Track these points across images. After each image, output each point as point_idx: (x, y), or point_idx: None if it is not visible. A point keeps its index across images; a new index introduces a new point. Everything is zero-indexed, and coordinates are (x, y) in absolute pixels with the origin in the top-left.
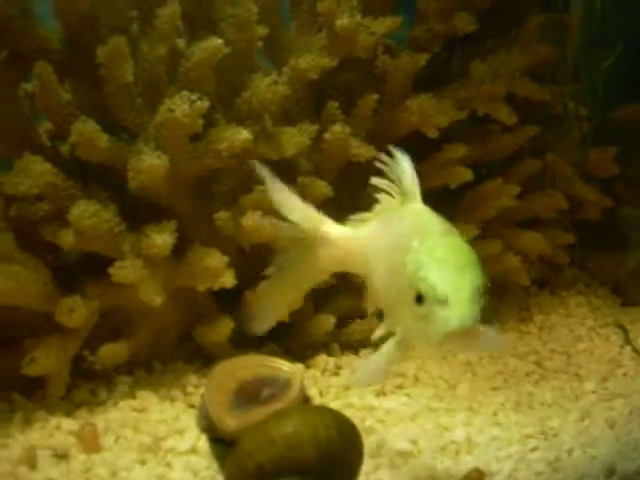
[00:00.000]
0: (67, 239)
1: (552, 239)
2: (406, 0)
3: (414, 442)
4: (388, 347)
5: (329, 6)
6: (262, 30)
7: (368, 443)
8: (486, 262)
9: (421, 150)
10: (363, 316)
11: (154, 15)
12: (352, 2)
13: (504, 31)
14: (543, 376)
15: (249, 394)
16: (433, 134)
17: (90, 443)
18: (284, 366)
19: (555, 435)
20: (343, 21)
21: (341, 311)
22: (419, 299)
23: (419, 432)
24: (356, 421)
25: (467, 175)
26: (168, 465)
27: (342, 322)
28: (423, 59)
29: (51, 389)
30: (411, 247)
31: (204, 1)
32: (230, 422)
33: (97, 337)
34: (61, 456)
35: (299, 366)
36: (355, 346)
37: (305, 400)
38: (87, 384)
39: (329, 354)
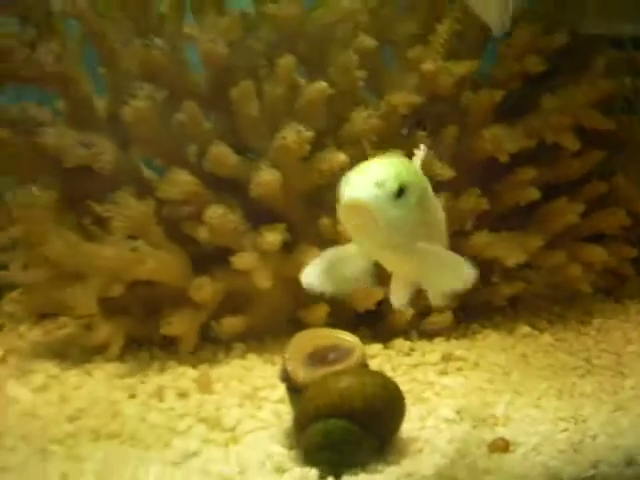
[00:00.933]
0: (202, 234)
1: (617, 252)
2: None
3: (459, 412)
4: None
5: (418, 52)
6: (361, 73)
7: (421, 409)
8: (552, 272)
9: (497, 172)
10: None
11: (275, 63)
12: (438, 49)
13: (575, 68)
14: (589, 371)
15: (319, 357)
16: (504, 158)
17: (205, 387)
18: (348, 338)
19: (584, 421)
20: (428, 65)
21: (422, 304)
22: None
23: (466, 405)
24: (416, 393)
25: (534, 195)
26: (259, 408)
27: (423, 314)
28: (499, 95)
29: (182, 347)
30: None
31: (319, 50)
32: (301, 375)
33: (222, 311)
34: (182, 395)
35: (357, 339)
36: (431, 334)
37: (364, 366)
38: (210, 346)
39: (407, 339)
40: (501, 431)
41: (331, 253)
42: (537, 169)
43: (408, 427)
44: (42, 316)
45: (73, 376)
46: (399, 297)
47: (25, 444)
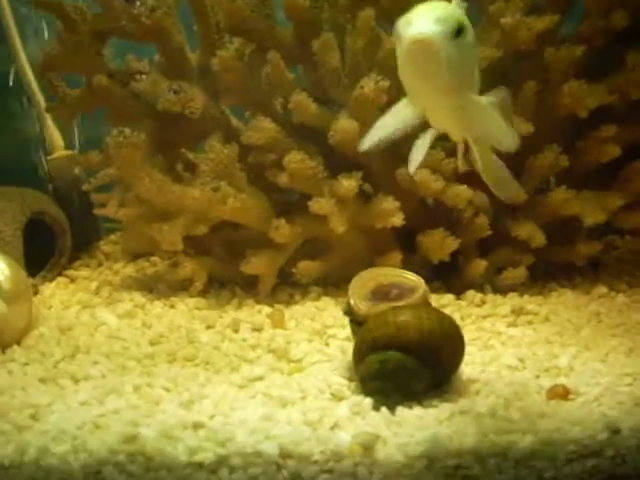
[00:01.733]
0: (283, 179)
1: None
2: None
3: (522, 361)
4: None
5: (498, 7)
6: None
7: (484, 355)
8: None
9: (579, 130)
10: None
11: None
12: (518, 4)
13: None
14: None
15: (382, 293)
16: (583, 114)
17: (278, 323)
18: (412, 277)
19: None
20: (507, 19)
21: (497, 260)
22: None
23: (530, 355)
24: (482, 341)
25: (615, 152)
26: (327, 344)
27: (498, 270)
28: (579, 51)
29: (260, 286)
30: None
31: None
32: (362, 307)
33: (301, 257)
34: (256, 329)
35: (421, 279)
36: (504, 290)
37: (427, 304)
38: (288, 288)
39: (480, 291)
40: (563, 381)
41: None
42: (620, 127)
43: (469, 370)
44: (136, 257)
45: (157, 307)
46: (416, 159)
47: (107, 360)
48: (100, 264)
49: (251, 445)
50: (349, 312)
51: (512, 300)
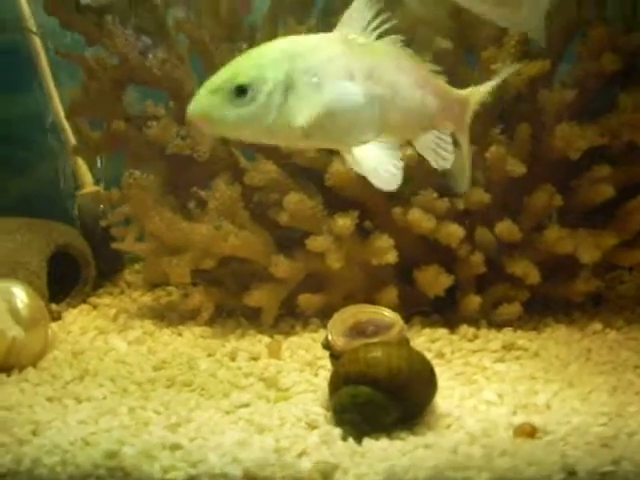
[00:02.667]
0: (283, 218)
1: None
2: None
3: (501, 396)
4: None
5: (490, 53)
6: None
7: (465, 390)
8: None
9: (573, 171)
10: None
11: None
12: (510, 50)
13: None
14: None
15: (360, 329)
16: (575, 156)
17: (274, 353)
18: (389, 314)
19: (626, 418)
20: (496, 65)
21: (493, 296)
22: None
23: (510, 391)
24: (466, 375)
25: (609, 192)
26: (316, 375)
27: (494, 304)
28: (571, 94)
29: (263, 318)
30: None
31: None
32: (339, 342)
33: (303, 289)
34: (253, 358)
35: (398, 316)
36: (500, 325)
37: (404, 342)
38: (291, 319)
39: (473, 326)
40: (537, 418)
41: None
42: (613, 167)
43: (446, 404)
44: (155, 286)
45: (166, 334)
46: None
47: (111, 383)
48: (122, 292)
49: (219, 467)
50: (327, 346)
51: (505, 335)
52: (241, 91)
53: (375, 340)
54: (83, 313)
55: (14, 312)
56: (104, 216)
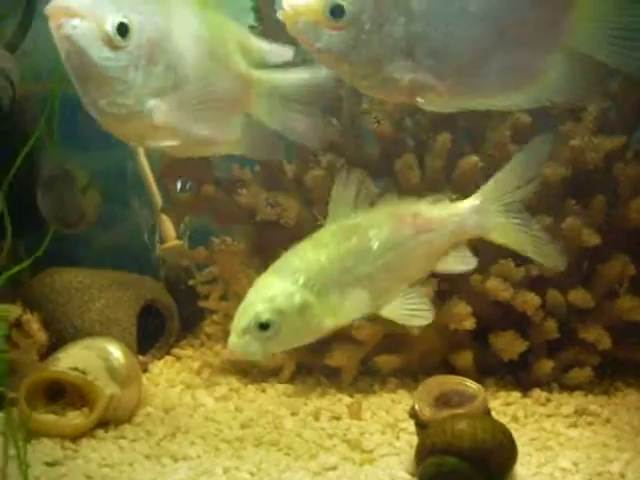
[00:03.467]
0: None
1: None
2: None
3: (576, 464)
4: None
5: (568, 128)
6: (514, 147)
7: (541, 457)
8: None
9: None
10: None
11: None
12: (588, 125)
13: None
14: None
15: (444, 399)
16: None
17: (355, 414)
18: (473, 385)
19: None
20: (576, 141)
21: (565, 360)
22: None
23: (584, 458)
24: (541, 441)
25: None
26: (397, 438)
27: (565, 368)
28: None
29: (343, 376)
30: None
31: (478, 124)
32: (426, 412)
33: (381, 349)
34: (335, 417)
35: (481, 387)
36: (572, 388)
37: (486, 411)
38: (368, 378)
39: (545, 389)
40: None
41: None
42: None
43: (524, 471)
44: None
45: (250, 391)
46: None
47: (203, 441)
48: (202, 344)
49: None
50: (414, 415)
51: (576, 399)
52: (265, 326)
53: (460, 410)
54: (167, 365)
55: (111, 370)
56: (187, 271)
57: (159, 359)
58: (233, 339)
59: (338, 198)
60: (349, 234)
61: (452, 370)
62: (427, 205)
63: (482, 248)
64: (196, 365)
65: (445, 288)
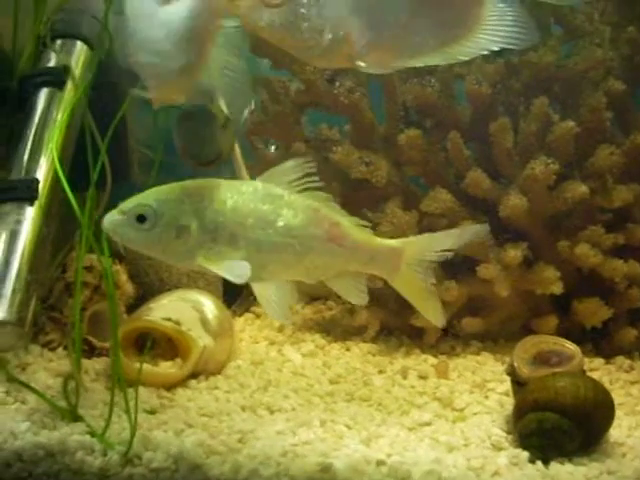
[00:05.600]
0: None
1: None
2: None
3: None
4: None
5: None
6: (608, 113)
7: (631, 420)
8: None
9: None
10: None
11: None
12: None
13: None
14: None
15: (542, 358)
16: None
17: (442, 373)
18: (570, 346)
19: None
20: None
21: None
22: None
23: None
24: (629, 406)
25: None
26: (486, 397)
27: None
28: None
29: (426, 338)
30: None
31: (572, 91)
32: (525, 370)
33: (463, 312)
34: (422, 377)
35: (578, 348)
36: None
37: (581, 372)
38: (450, 340)
39: (628, 358)
40: None
41: None
42: None
43: (616, 433)
44: (313, 299)
45: (335, 349)
46: None
47: (295, 394)
48: None
49: None
50: (512, 373)
51: None
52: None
53: (559, 370)
54: (248, 322)
55: (204, 322)
56: None
57: (240, 316)
58: (110, 215)
59: (274, 174)
60: (267, 198)
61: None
62: (351, 223)
63: (570, 213)
64: (276, 323)
65: (528, 254)
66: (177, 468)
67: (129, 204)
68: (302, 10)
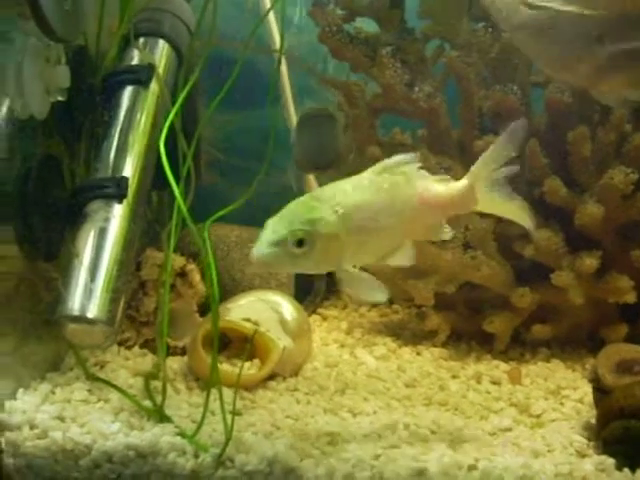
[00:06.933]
0: (529, 251)
1: None
2: None
3: None
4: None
5: None
6: None
7: None
8: None
9: None
10: None
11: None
12: None
13: None
14: None
15: (626, 366)
16: None
17: (515, 379)
18: None
19: None
20: None
21: None
22: None
23: None
24: None
25: None
26: (562, 404)
27: None
28: None
29: (496, 343)
30: None
31: None
32: (609, 378)
33: (532, 319)
34: (495, 382)
35: None
36: None
37: None
38: (519, 348)
39: None
40: None
41: None
42: None
43: None
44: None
45: (406, 352)
46: None
47: (374, 397)
48: (345, 306)
49: None
50: (595, 380)
51: None
52: (300, 244)
53: None
54: (316, 324)
55: (284, 323)
56: None
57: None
58: (262, 248)
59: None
60: (383, 185)
61: (601, 343)
62: (433, 182)
63: None
64: (344, 325)
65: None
66: (271, 471)
67: (276, 234)
68: (561, 18)
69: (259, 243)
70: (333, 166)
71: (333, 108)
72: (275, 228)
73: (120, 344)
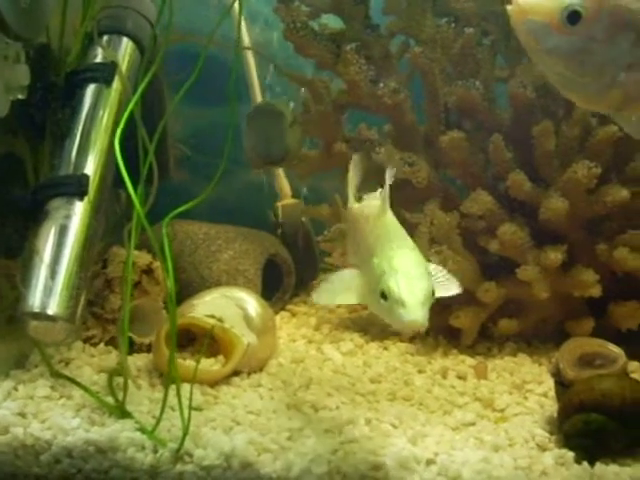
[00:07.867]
0: (494, 246)
1: None
2: None
3: None
4: (349, 274)
5: None
6: None
7: None
8: None
9: None
10: None
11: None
12: None
13: None
14: None
15: (586, 360)
16: None
17: (481, 374)
18: (614, 348)
19: None
20: None
21: None
22: (383, 296)
23: None
24: None
25: None
26: (526, 398)
27: None
28: None
29: (463, 338)
30: (375, 250)
31: None
32: (570, 372)
33: (499, 314)
34: (461, 377)
35: (622, 351)
36: None
37: (625, 374)
38: (486, 342)
39: None
40: None
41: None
42: None
43: None
44: None
45: (373, 348)
46: None
47: (338, 393)
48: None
49: None
50: (556, 374)
51: None
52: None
53: (604, 372)
54: (285, 320)
55: (248, 319)
56: (304, 227)
57: (275, 314)
58: (416, 312)
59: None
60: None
61: (568, 337)
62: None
63: (608, 217)
64: (312, 321)
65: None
66: (229, 466)
67: (421, 292)
68: (593, 45)
69: (410, 310)
70: (283, 161)
71: (282, 104)
72: (411, 290)
73: (85, 341)
